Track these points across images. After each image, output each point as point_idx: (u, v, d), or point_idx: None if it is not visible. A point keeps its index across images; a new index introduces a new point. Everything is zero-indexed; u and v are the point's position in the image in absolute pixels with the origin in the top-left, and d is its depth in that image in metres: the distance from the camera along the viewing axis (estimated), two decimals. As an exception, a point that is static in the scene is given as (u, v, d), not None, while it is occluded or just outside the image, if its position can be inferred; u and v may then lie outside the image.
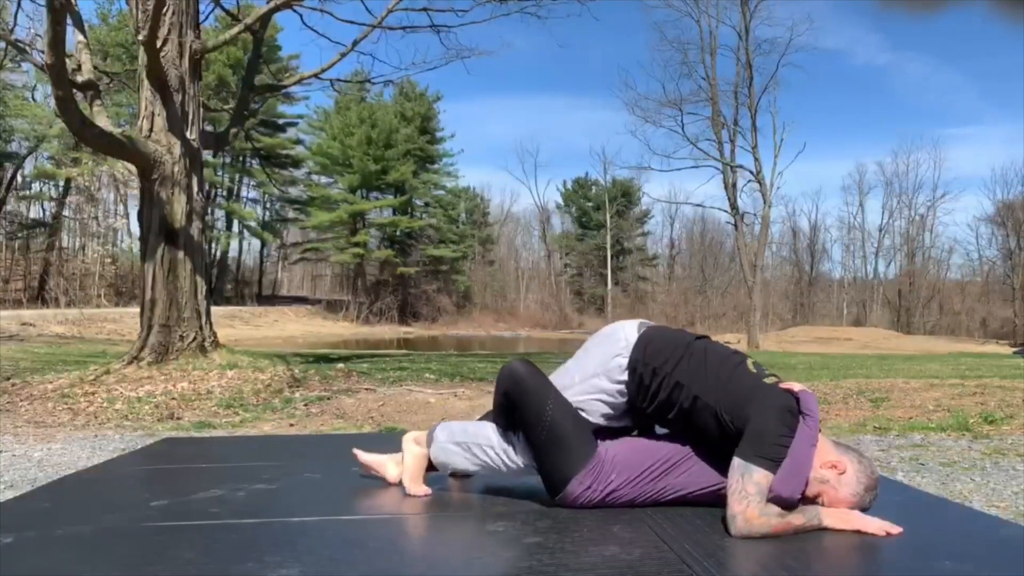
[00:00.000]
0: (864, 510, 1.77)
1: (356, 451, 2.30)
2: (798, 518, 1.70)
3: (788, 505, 1.69)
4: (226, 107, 14.46)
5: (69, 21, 7.23)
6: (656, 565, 1.50)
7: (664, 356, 1.91)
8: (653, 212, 50.49)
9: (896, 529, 1.70)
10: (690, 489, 1.90)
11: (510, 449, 2.02)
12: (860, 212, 51.27)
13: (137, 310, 8.52)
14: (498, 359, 13.04)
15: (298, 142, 40.71)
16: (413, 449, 2.13)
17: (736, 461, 1.71)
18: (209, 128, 11.98)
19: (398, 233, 40.89)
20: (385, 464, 2.23)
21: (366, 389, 7.98)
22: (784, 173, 50.88)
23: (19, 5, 9.73)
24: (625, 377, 1.94)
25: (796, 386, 1.83)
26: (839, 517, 1.73)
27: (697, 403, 1.85)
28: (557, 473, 1.92)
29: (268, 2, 9.46)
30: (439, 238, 42.87)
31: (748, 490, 1.67)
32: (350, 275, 42.42)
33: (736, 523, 1.67)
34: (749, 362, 1.90)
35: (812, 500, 1.77)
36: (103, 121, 7.83)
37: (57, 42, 6.23)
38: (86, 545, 1.65)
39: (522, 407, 1.94)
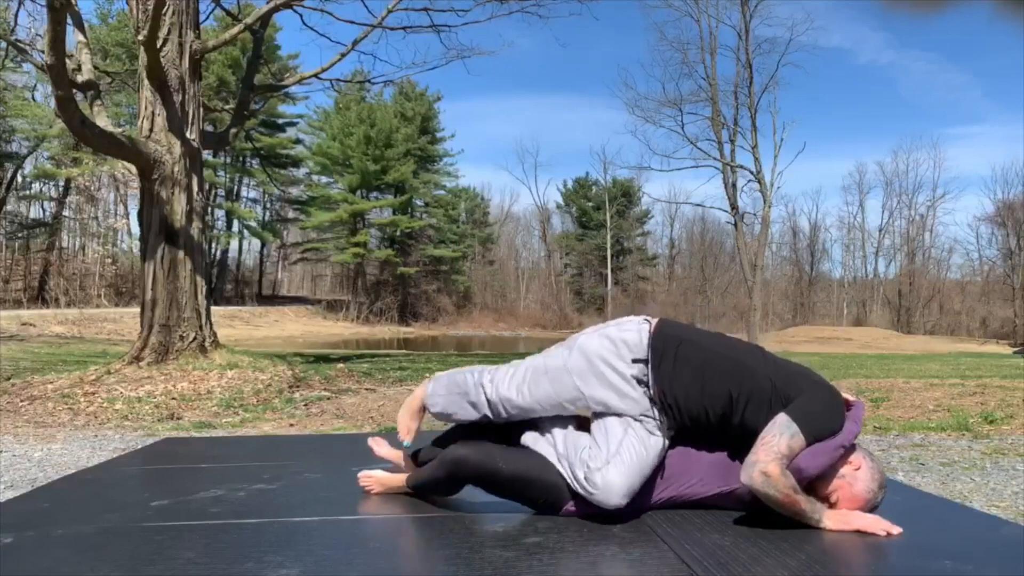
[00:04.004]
0: (874, 508, 1.78)
1: (372, 442, 2.34)
2: (807, 503, 1.70)
3: (798, 480, 1.71)
4: (226, 107, 14.47)
5: (69, 21, 7.23)
6: (656, 565, 1.50)
7: (700, 336, 1.93)
8: (653, 212, 50.51)
9: (896, 529, 1.70)
10: (690, 497, 1.89)
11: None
12: (860, 212, 51.34)
13: (137, 310, 8.52)
14: (498, 359, 13.02)
15: (298, 142, 40.76)
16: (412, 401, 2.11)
17: (783, 417, 1.71)
18: (209, 128, 11.98)
19: (398, 233, 40.85)
20: (389, 480, 2.17)
21: (366, 389, 7.98)
22: (784, 173, 50.71)
23: (20, 5, 9.73)
24: (646, 328, 1.90)
25: (851, 397, 1.88)
26: (840, 519, 1.73)
27: (741, 376, 1.81)
28: (548, 505, 1.89)
29: (268, 2, 9.46)
30: (439, 238, 42.84)
31: (780, 448, 1.68)
32: (350, 275, 42.41)
33: (754, 472, 1.66)
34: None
35: (824, 496, 1.77)
36: (103, 121, 7.83)
37: (57, 42, 6.23)
38: (86, 545, 1.65)
39: (479, 481, 1.90)
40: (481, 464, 1.86)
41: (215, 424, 5.81)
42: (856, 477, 1.77)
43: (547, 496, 1.86)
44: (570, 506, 1.86)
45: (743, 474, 1.69)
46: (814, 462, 1.71)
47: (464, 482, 1.93)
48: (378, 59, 12.48)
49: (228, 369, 7.72)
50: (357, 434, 5.05)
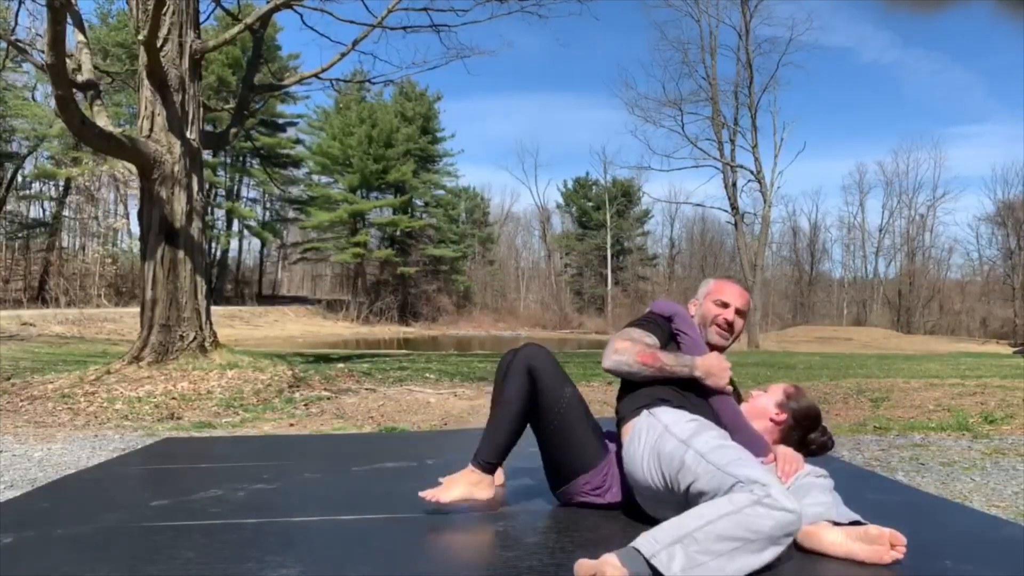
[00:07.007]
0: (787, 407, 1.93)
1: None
2: (670, 357, 1.86)
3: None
4: (226, 107, 14.45)
5: (69, 21, 7.22)
6: (656, 565, 1.49)
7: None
8: (653, 212, 50.50)
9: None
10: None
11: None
12: (860, 212, 51.48)
13: (137, 310, 8.52)
14: (498, 359, 13.01)
15: (298, 142, 40.73)
16: None
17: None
18: (209, 128, 11.97)
19: (398, 233, 40.83)
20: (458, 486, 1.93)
21: (366, 389, 7.98)
22: (784, 173, 50.78)
23: (20, 5, 9.73)
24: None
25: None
26: (712, 365, 1.89)
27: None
28: (566, 466, 1.93)
29: (268, 1, 9.46)
30: (439, 238, 42.81)
31: (618, 336, 1.92)
32: (350, 275, 42.40)
33: (606, 357, 1.88)
34: None
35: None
36: (103, 121, 7.83)
37: (57, 42, 6.23)
38: (86, 545, 1.65)
39: (541, 388, 1.91)
40: (553, 373, 1.94)
41: (215, 424, 5.81)
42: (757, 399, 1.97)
43: (571, 460, 1.93)
44: (580, 482, 1.91)
45: (603, 364, 1.88)
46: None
47: (532, 381, 1.92)
48: (378, 59, 12.51)
49: (228, 369, 7.71)
50: (357, 434, 5.05)
